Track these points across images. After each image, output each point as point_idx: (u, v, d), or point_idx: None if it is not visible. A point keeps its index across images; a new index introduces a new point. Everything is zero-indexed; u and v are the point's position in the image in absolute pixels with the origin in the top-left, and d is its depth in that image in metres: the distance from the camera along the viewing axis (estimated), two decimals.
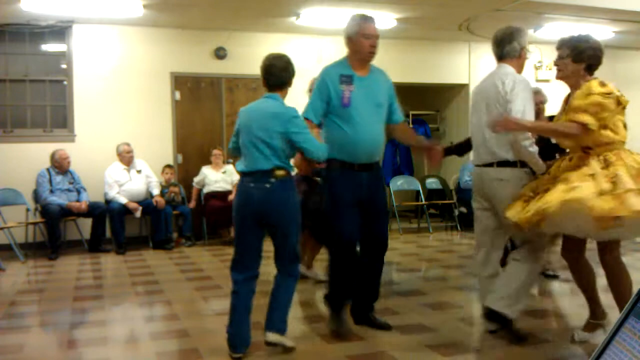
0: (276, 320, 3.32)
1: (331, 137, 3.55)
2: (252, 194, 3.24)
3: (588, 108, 3.04)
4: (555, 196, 2.94)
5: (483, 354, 3.43)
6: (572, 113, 3.11)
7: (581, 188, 2.88)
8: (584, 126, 3.04)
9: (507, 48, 3.45)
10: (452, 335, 3.64)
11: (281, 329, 3.32)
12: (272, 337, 3.29)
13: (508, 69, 3.44)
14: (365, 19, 3.57)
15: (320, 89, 3.58)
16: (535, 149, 3.30)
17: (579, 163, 3.12)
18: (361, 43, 3.53)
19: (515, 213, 3.15)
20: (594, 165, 3.03)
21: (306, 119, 3.48)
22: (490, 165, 3.41)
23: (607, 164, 3.01)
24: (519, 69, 3.48)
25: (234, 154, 3.54)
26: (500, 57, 3.50)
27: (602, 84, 3.09)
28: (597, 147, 3.10)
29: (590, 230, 2.96)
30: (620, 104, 3.09)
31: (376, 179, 3.68)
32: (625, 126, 3.14)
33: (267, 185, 3.21)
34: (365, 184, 3.59)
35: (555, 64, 3.28)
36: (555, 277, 5.03)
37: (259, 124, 3.26)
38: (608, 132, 3.08)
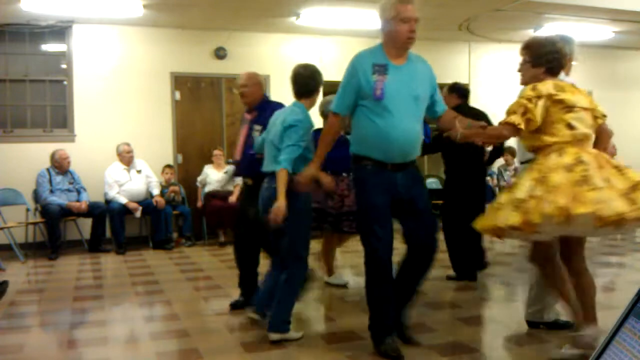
0: (277, 321, 3.47)
1: (361, 133, 3.21)
2: (263, 193, 3.56)
3: (515, 109, 3.05)
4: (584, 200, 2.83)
5: (483, 354, 3.43)
6: (504, 117, 3.12)
7: (603, 194, 2.85)
8: (513, 126, 3.02)
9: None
10: (452, 335, 3.64)
11: (283, 329, 3.48)
12: (274, 336, 3.46)
13: None
14: (402, 0, 3.15)
15: (350, 78, 3.23)
16: None
17: (574, 160, 3.09)
18: (398, 28, 3.13)
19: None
20: (589, 162, 3.02)
21: (334, 113, 3.24)
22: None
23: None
24: (567, 72, 3.55)
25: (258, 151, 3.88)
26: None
27: (534, 88, 3.07)
28: (539, 149, 3.11)
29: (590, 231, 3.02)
30: (562, 103, 3.06)
31: (413, 179, 3.28)
32: (569, 126, 3.04)
33: (274, 186, 3.39)
34: (400, 185, 3.22)
35: (518, 70, 3.25)
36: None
37: (275, 129, 3.56)
38: (545, 137, 3.05)
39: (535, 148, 3.12)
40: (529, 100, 3.03)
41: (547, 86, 3.07)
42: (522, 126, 3.04)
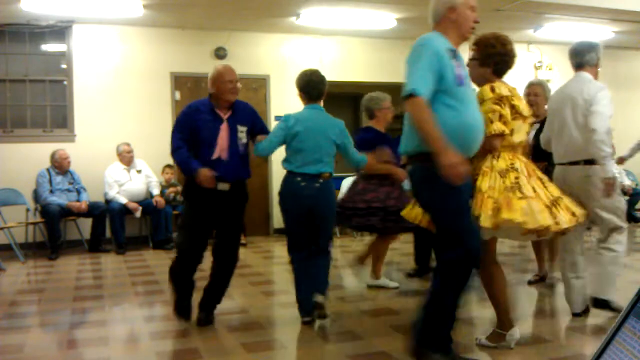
0: (320, 286, 3.82)
1: (440, 122, 2.73)
2: (302, 191, 3.77)
3: (492, 117, 3.05)
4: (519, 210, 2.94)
5: (483, 354, 3.43)
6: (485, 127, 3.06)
7: (533, 207, 2.96)
8: (502, 135, 3.07)
9: (587, 57, 3.76)
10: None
11: (323, 292, 3.83)
12: (320, 297, 3.78)
13: (588, 76, 3.74)
14: None
15: (431, 59, 2.78)
16: (607, 151, 3.52)
17: (511, 164, 3.14)
18: (466, 15, 2.94)
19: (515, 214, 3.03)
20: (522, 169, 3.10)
21: (413, 95, 2.70)
22: (576, 163, 3.67)
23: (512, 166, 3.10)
24: (595, 77, 3.79)
25: (265, 155, 3.94)
26: (579, 65, 3.80)
27: (493, 89, 3.10)
28: (499, 149, 3.13)
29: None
30: (514, 109, 3.11)
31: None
32: (511, 132, 3.13)
33: (317, 185, 3.77)
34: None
35: (467, 65, 3.25)
36: (542, 280, 5.02)
37: (323, 132, 3.82)
38: (509, 137, 3.10)
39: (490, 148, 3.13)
40: (497, 103, 3.06)
41: (502, 89, 3.11)
42: (507, 131, 3.06)
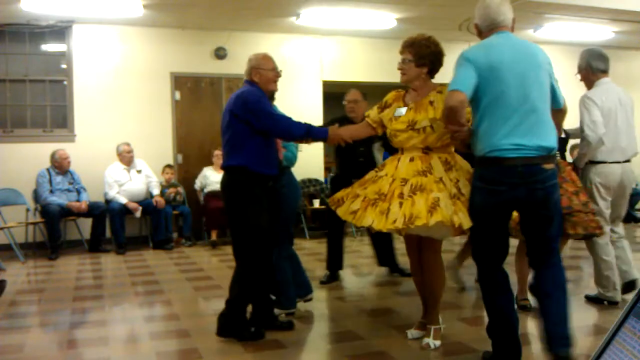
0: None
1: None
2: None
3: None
4: (420, 209, 2.95)
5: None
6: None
7: (442, 204, 2.95)
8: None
9: (609, 65, 4.13)
10: (452, 335, 3.63)
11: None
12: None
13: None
14: None
15: None
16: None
17: (423, 166, 3.14)
18: None
19: (366, 219, 3.14)
20: (439, 167, 3.12)
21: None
22: (628, 160, 4.11)
23: (448, 167, 3.14)
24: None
25: None
26: (607, 70, 4.12)
27: (442, 90, 3.17)
28: (436, 148, 3.19)
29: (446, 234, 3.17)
30: None
31: None
32: None
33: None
34: None
35: (399, 67, 3.31)
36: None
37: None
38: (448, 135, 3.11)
39: (431, 145, 3.19)
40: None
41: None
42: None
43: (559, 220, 2.91)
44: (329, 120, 5.14)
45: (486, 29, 2.97)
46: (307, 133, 3.44)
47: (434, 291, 3.37)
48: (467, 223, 2.93)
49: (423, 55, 3.25)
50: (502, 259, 2.92)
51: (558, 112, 3.09)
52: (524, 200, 2.76)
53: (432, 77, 3.34)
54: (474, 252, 3.03)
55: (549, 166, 2.76)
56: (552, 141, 2.79)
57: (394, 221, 2.99)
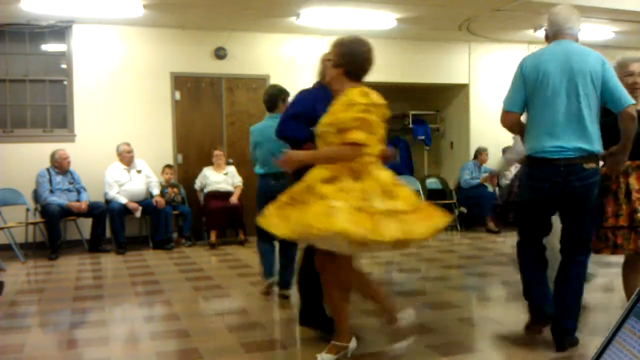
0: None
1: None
2: (275, 188, 3.79)
3: (355, 124, 2.88)
4: (311, 216, 2.75)
5: (483, 354, 3.43)
6: (342, 134, 2.92)
7: (337, 214, 2.71)
8: (359, 145, 2.88)
9: None
10: (452, 336, 3.64)
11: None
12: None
13: None
14: None
15: None
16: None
17: (333, 174, 2.91)
18: None
19: (274, 225, 2.92)
20: (346, 178, 2.89)
21: None
22: None
23: (357, 177, 2.90)
24: None
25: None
26: None
27: (365, 94, 2.95)
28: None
29: (345, 248, 2.89)
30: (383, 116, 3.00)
31: None
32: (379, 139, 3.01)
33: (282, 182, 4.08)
34: None
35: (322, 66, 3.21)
36: None
37: (273, 140, 3.84)
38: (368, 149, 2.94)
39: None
40: (367, 111, 2.92)
41: (374, 95, 3.00)
42: (369, 142, 2.93)
43: (591, 217, 3.20)
44: None
45: (552, 35, 3.20)
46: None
47: (331, 310, 3.24)
48: (363, 234, 2.69)
49: (339, 54, 3.07)
50: (542, 236, 3.29)
51: (619, 116, 3.06)
52: (564, 195, 3.07)
53: (354, 79, 3.08)
54: (519, 228, 3.37)
55: (589, 165, 3.04)
56: (593, 145, 3.05)
57: (292, 230, 2.83)
